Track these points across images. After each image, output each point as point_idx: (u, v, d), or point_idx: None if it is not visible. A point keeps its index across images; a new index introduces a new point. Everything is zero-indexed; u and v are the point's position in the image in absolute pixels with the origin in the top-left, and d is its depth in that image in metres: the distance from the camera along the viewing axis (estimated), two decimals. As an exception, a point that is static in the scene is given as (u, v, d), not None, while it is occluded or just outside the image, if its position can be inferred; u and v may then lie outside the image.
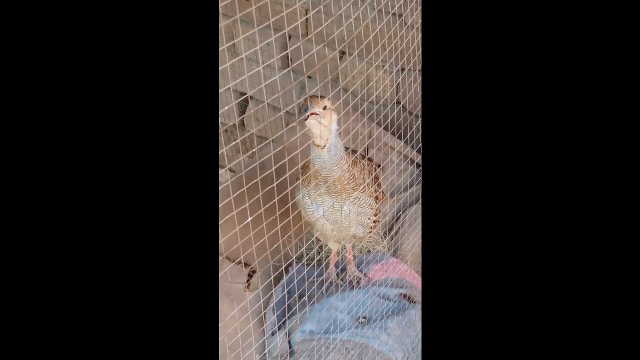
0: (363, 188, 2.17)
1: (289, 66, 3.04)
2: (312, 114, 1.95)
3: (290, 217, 1.84)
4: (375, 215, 2.26)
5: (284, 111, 2.72)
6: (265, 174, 1.66)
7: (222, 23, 1.51)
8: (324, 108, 1.98)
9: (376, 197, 2.25)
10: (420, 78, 2.75)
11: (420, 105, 2.97)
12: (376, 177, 2.30)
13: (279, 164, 1.70)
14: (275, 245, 1.97)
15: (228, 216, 1.57)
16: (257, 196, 1.64)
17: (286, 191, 1.82)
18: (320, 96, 2.01)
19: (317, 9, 2.34)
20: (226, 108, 1.80)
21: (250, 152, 2.76)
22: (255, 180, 1.63)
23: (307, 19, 3.05)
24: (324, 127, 1.99)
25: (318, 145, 2.03)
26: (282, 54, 2.37)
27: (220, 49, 1.46)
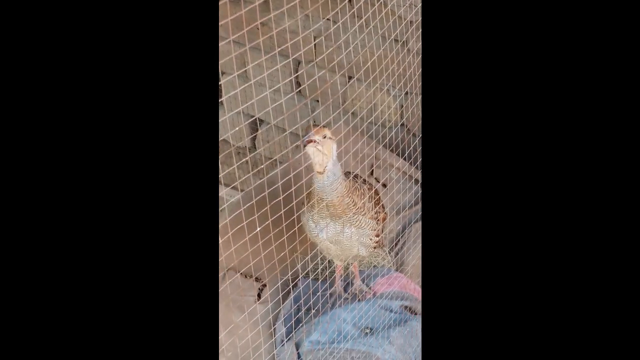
0: (363, 211, 2.30)
1: (298, 91, 3.18)
2: (309, 141, 2.09)
3: (295, 230, 1.96)
4: (377, 235, 2.39)
5: (288, 132, 2.86)
6: (270, 189, 1.79)
7: (236, 52, 1.61)
8: (324, 137, 2.13)
9: (377, 219, 2.38)
10: (420, 100, 2.87)
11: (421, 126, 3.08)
12: (378, 200, 2.43)
13: (283, 180, 1.83)
14: (287, 262, 2.11)
15: (235, 228, 1.70)
16: (265, 209, 1.77)
17: (291, 204, 1.95)
18: (322, 125, 2.16)
19: (322, 36, 2.48)
20: (236, 129, 1.94)
21: (254, 170, 2.89)
22: (258, 195, 1.76)
23: (314, 45, 3.20)
24: (322, 155, 2.14)
25: (317, 172, 2.17)
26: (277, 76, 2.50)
27: (232, 75, 1.56)
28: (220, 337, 1.98)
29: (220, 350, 2.13)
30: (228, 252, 1.61)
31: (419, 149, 2.90)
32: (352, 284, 2.63)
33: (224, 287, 2.22)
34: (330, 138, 2.14)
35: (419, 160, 2.90)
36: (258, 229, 1.74)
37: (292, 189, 1.87)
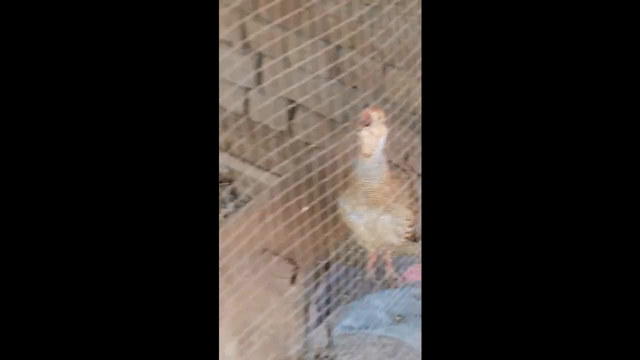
0: (401, 199, 2.31)
1: (336, 77, 3.19)
2: (368, 123, 2.13)
3: (333, 215, 1.98)
4: (411, 226, 2.41)
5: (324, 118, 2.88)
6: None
7: (281, 36, 1.61)
8: (379, 118, 2.15)
9: (412, 209, 2.40)
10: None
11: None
12: (414, 191, 2.45)
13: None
14: (325, 246, 2.13)
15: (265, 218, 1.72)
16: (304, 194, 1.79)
17: (330, 191, 1.97)
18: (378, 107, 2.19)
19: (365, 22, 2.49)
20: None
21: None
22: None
23: (355, 32, 3.20)
24: (374, 137, 2.15)
25: (365, 154, 2.19)
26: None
27: (275, 60, 1.57)
28: (257, 319, 2.01)
29: (257, 332, 2.16)
30: (270, 235, 1.64)
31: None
32: (385, 272, 2.65)
33: (263, 270, 2.25)
34: (383, 122, 2.17)
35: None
36: (300, 212, 1.77)
37: (321, 179, 1.88)
